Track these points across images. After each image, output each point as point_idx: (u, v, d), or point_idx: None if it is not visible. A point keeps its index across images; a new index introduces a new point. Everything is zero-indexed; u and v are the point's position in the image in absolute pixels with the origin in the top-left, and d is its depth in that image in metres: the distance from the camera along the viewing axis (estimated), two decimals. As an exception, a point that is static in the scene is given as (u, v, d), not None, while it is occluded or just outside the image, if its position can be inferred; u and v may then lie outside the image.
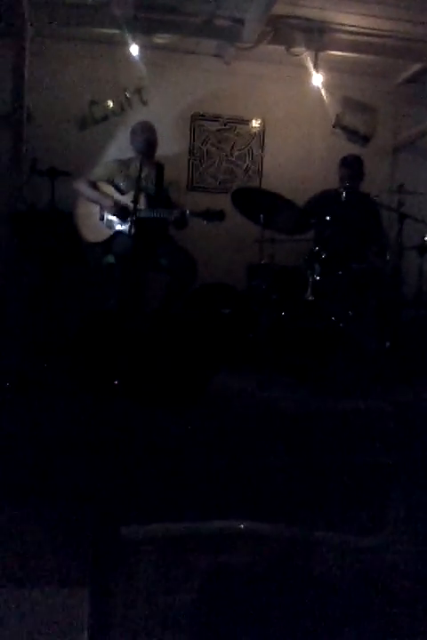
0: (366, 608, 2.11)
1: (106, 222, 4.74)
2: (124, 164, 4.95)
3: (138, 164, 4.72)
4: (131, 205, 4.38)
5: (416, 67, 5.62)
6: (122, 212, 4.66)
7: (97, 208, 4.77)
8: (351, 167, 5.17)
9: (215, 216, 4.51)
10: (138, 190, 4.13)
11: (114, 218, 4.71)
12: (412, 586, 2.22)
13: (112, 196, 4.75)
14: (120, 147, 5.30)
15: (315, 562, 2.33)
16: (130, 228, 4.15)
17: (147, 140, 4.85)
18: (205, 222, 4.52)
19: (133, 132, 5.00)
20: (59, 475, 2.55)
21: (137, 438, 2.87)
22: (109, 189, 4.82)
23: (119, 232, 4.67)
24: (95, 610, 1.94)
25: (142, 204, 4.44)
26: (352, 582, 2.23)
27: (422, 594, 2.17)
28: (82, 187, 4.81)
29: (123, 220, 4.65)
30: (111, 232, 4.71)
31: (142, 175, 4.25)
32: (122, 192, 4.79)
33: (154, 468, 2.70)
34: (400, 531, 2.57)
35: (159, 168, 4.70)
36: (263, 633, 1.98)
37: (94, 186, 4.83)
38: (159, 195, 4.83)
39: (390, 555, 2.40)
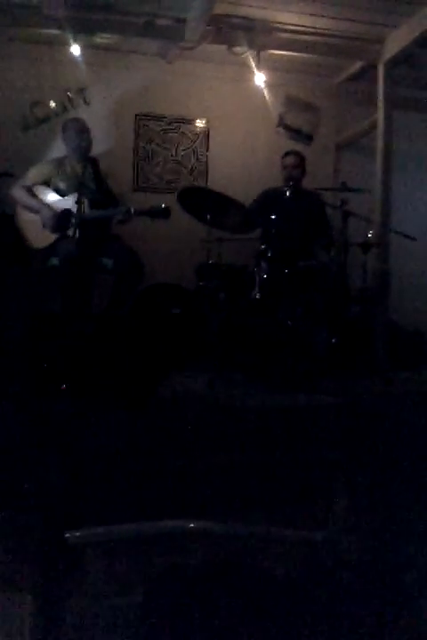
0: (318, 603, 2.13)
1: (48, 229, 4.57)
2: (59, 163, 4.83)
3: (75, 164, 4.69)
4: (73, 208, 4.33)
5: (358, 65, 5.68)
6: (64, 220, 4.51)
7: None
8: (293, 162, 5.22)
9: (161, 213, 4.46)
10: (81, 194, 4.07)
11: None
12: (360, 578, 2.24)
13: (49, 206, 4.59)
14: (63, 147, 5.21)
15: (265, 558, 2.33)
16: (74, 231, 4.09)
17: (81, 137, 4.73)
18: (150, 220, 4.48)
19: (67, 130, 4.88)
20: (4, 480, 2.50)
21: (84, 441, 2.83)
22: (48, 193, 4.69)
23: (63, 236, 4.53)
24: (39, 615, 1.90)
25: (86, 206, 4.36)
26: (304, 577, 2.24)
27: (370, 587, 2.20)
28: (19, 194, 4.66)
29: (65, 227, 4.50)
30: (54, 237, 4.56)
31: (83, 175, 4.19)
32: (62, 194, 4.67)
33: (101, 471, 2.68)
34: (349, 524, 2.60)
35: (95, 164, 4.58)
36: (215, 634, 1.97)
37: (32, 192, 4.67)
38: (100, 192, 4.73)
39: (340, 548, 2.43)
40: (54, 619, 1.91)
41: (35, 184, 4.71)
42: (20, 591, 1.96)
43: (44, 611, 1.91)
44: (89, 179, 4.62)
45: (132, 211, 4.48)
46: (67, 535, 2.15)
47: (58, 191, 4.70)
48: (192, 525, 2.38)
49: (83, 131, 4.78)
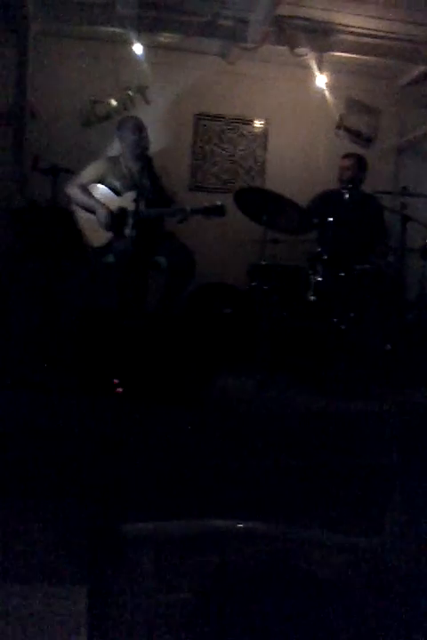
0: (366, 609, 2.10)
1: (104, 227, 4.58)
2: (114, 162, 4.81)
3: (131, 162, 4.71)
4: (128, 207, 4.36)
5: (420, 69, 5.60)
6: (118, 220, 4.53)
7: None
8: (352, 165, 5.15)
9: (216, 211, 4.46)
10: (139, 193, 4.08)
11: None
12: (410, 587, 2.20)
13: (105, 204, 4.59)
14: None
15: (315, 562, 2.31)
16: (130, 230, 4.12)
17: (137, 135, 4.69)
18: (205, 218, 4.48)
19: (122, 128, 4.84)
20: (60, 473, 2.54)
21: (137, 437, 2.86)
22: (104, 192, 4.69)
23: (119, 235, 4.54)
24: (94, 608, 1.92)
25: (141, 205, 4.38)
26: (354, 583, 2.22)
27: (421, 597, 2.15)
28: (74, 192, 4.66)
29: (122, 224, 4.53)
30: (110, 236, 4.58)
31: (138, 173, 4.20)
32: (117, 193, 4.67)
33: (155, 467, 2.69)
34: (401, 532, 2.55)
35: (149, 162, 4.60)
36: (263, 632, 1.96)
37: (87, 190, 4.68)
38: (155, 190, 4.72)
39: (389, 555, 2.39)
40: (106, 612, 1.93)
41: (90, 182, 4.71)
42: (74, 584, 1.99)
43: (96, 604, 1.93)
44: (144, 177, 4.64)
45: (188, 210, 4.49)
46: (122, 529, 2.17)
47: (112, 189, 4.71)
48: (240, 525, 2.37)
49: (139, 129, 4.74)
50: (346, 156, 5.26)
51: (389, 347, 4.33)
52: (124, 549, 2.16)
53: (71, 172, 4.53)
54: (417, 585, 2.17)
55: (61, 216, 4.57)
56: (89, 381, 3.36)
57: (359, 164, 5.19)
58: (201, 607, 2.01)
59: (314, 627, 1.98)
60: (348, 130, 6.05)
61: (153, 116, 5.18)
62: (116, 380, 3.32)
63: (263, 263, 4.38)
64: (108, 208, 4.58)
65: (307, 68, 5.31)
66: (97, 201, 4.63)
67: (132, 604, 1.98)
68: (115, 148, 5.05)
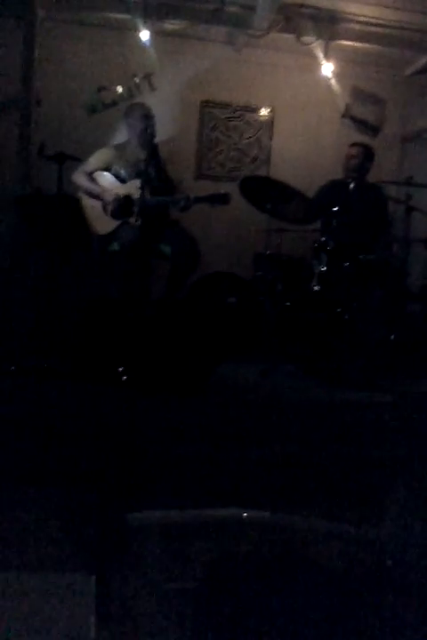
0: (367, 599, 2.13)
1: (109, 214, 4.61)
2: (121, 149, 4.84)
3: (137, 150, 4.72)
4: (134, 195, 4.37)
5: (425, 58, 5.57)
6: (125, 206, 4.55)
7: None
8: (358, 154, 5.15)
9: (220, 199, 4.46)
10: (144, 181, 4.08)
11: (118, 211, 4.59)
12: (410, 576, 2.23)
13: (111, 192, 4.61)
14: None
15: (317, 552, 2.34)
16: (135, 218, 4.13)
17: (145, 123, 4.68)
18: (210, 206, 4.49)
19: (130, 115, 4.87)
20: (66, 461, 2.56)
21: (141, 427, 2.88)
22: (109, 179, 4.72)
23: (124, 222, 4.57)
24: (102, 596, 1.95)
25: (147, 193, 4.39)
26: (355, 572, 2.25)
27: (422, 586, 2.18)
28: (81, 180, 4.68)
29: (127, 213, 4.54)
30: (116, 223, 4.60)
31: (144, 161, 4.20)
32: (123, 180, 4.69)
33: (158, 456, 2.72)
34: (401, 523, 2.58)
35: (155, 150, 4.62)
36: (267, 621, 1.99)
37: (92, 178, 4.70)
38: (160, 178, 4.75)
39: (391, 546, 2.42)
40: (111, 600, 1.96)
41: (96, 169, 4.73)
42: (79, 571, 2.01)
43: (101, 592, 1.96)
44: (150, 165, 4.63)
45: (192, 198, 4.50)
46: (128, 517, 2.20)
47: (118, 177, 4.73)
48: (245, 515, 2.40)
49: (147, 116, 4.75)
50: (353, 144, 5.24)
51: (392, 337, 4.35)
52: (131, 538, 2.19)
53: (77, 159, 4.54)
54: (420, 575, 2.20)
55: (67, 203, 4.58)
56: (94, 369, 3.39)
57: (366, 153, 5.18)
58: (206, 595, 2.04)
59: (316, 614, 2.01)
60: (354, 119, 6.03)
61: (159, 104, 5.15)
62: (120, 368, 3.34)
63: (268, 253, 4.39)
64: (114, 194, 4.59)
65: (313, 56, 5.30)
66: (103, 188, 4.65)
67: (138, 593, 2.01)
68: (122, 135, 5.06)
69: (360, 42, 5.31)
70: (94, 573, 1.96)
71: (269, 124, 5.96)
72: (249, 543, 2.30)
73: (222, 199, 4.47)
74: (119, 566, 2.06)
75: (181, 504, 2.37)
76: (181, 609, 1.97)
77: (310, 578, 2.17)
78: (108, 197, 4.61)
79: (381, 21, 5.04)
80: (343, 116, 5.99)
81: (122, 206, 4.57)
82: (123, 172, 4.72)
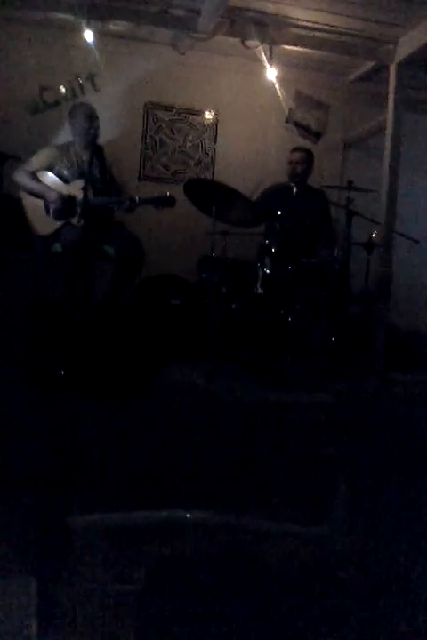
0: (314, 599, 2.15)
1: (52, 214, 4.57)
2: (64, 149, 4.81)
3: (81, 150, 4.69)
4: (77, 196, 4.34)
5: (369, 65, 5.67)
6: (68, 206, 4.52)
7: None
8: (300, 159, 5.22)
9: (165, 202, 4.47)
10: (87, 181, 4.05)
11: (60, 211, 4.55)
12: (355, 574, 2.26)
13: (54, 192, 4.57)
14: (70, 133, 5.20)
15: (260, 551, 2.35)
16: (78, 219, 4.10)
17: (89, 123, 4.69)
18: (155, 208, 4.48)
19: (74, 115, 4.85)
20: (7, 464, 2.51)
21: (82, 430, 2.85)
22: (52, 179, 4.67)
23: (67, 223, 4.54)
24: (43, 599, 1.92)
25: (90, 194, 4.36)
26: (299, 572, 2.26)
27: (366, 583, 2.22)
28: (23, 178, 4.62)
29: (70, 213, 4.51)
30: (58, 224, 4.56)
31: (88, 162, 4.18)
32: (66, 181, 4.66)
33: (99, 460, 2.69)
34: (341, 521, 2.62)
35: (99, 151, 4.60)
36: (213, 622, 1.99)
37: (35, 177, 4.65)
38: (104, 179, 4.73)
39: (335, 544, 2.45)
40: (53, 603, 1.93)
41: (39, 169, 4.68)
42: (21, 575, 1.98)
43: (43, 595, 1.93)
44: (93, 166, 4.60)
45: (137, 199, 4.49)
46: (68, 520, 2.17)
47: (61, 177, 4.69)
48: (189, 516, 2.40)
49: (90, 116, 4.73)
50: (294, 149, 5.32)
51: (333, 339, 4.42)
52: (72, 540, 2.17)
53: (19, 159, 4.47)
54: (365, 572, 2.23)
55: (8, 204, 4.50)
56: (36, 372, 3.34)
57: (307, 158, 5.26)
58: (149, 598, 2.03)
59: (264, 620, 2.02)
60: (297, 124, 6.09)
61: (103, 104, 5.12)
62: (62, 372, 3.30)
63: (213, 255, 4.40)
64: (56, 195, 4.54)
65: (258, 60, 5.32)
66: (46, 187, 4.60)
67: (80, 596, 1.99)
68: (65, 136, 5.01)
69: (304, 47, 5.35)
70: (34, 576, 1.94)
71: (214, 126, 5.98)
72: (193, 545, 2.30)
73: (168, 202, 4.48)
74: (61, 569, 2.04)
75: (123, 508, 2.36)
76: (123, 612, 1.96)
77: (258, 578, 2.18)
78: (51, 197, 4.55)
79: (325, 27, 5.09)
80: (287, 120, 6.06)
81: (64, 206, 4.52)
82: (66, 173, 4.68)
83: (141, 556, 2.18)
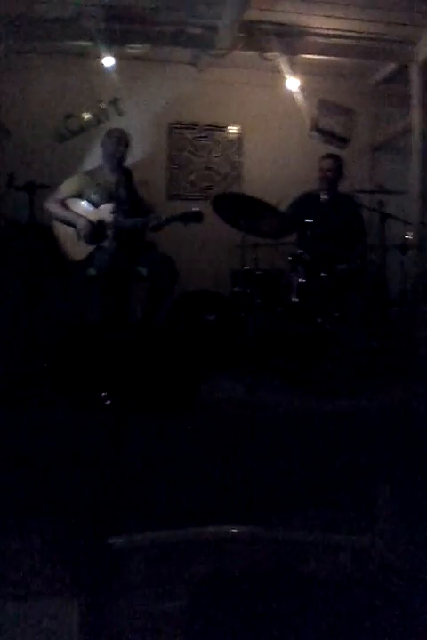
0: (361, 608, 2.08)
1: (83, 239, 4.59)
2: (92, 174, 4.83)
3: (109, 174, 4.71)
4: (108, 220, 4.36)
5: (391, 67, 5.65)
6: (98, 231, 4.54)
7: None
8: (330, 166, 5.17)
9: (193, 217, 4.46)
10: (116, 204, 4.07)
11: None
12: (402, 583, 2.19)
13: (85, 216, 4.60)
14: (98, 158, 5.24)
15: (310, 563, 2.30)
16: (110, 242, 4.11)
17: (118, 147, 4.71)
18: (184, 225, 4.48)
19: (106, 140, 4.85)
20: (51, 488, 2.50)
21: (127, 449, 2.83)
22: (81, 205, 4.70)
23: (99, 247, 4.54)
24: (86, 621, 1.89)
25: (120, 216, 4.37)
26: (346, 582, 2.21)
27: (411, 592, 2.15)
28: (53, 207, 4.67)
29: (101, 237, 4.52)
30: (91, 248, 4.57)
31: (115, 185, 4.20)
32: (96, 205, 4.67)
33: (144, 478, 2.67)
34: (392, 530, 2.55)
35: (127, 173, 4.60)
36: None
37: (65, 204, 4.69)
38: (133, 201, 4.74)
39: (383, 553, 2.38)
40: (99, 624, 1.90)
41: (68, 196, 4.72)
42: (66, 597, 1.95)
43: (88, 616, 1.90)
44: (122, 189, 4.64)
45: (164, 218, 4.49)
46: (110, 541, 2.14)
47: (91, 202, 4.71)
48: (235, 531, 2.35)
49: (119, 141, 4.76)
50: (324, 157, 5.27)
51: (375, 344, 4.34)
52: (114, 561, 2.14)
53: (47, 188, 4.52)
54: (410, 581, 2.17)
55: (40, 232, 4.55)
56: (78, 396, 3.33)
57: (337, 164, 5.21)
58: (195, 615, 1.98)
59: (311, 630, 1.96)
60: (321, 131, 6.07)
61: (128, 127, 5.13)
62: (104, 393, 3.29)
63: (245, 268, 4.37)
64: (87, 220, 4.57)
65: (278, 71, 5.31)
66: (77, 214, 4.63)
67: (124, 616, 1.95)
68: (92, 161, 5.05)
69: (324, 54, 5.34)
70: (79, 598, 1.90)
71: (238, 141, 5.99)
72: (242, 560, 2.25)
73: (195, 217, 4.46)
74: (104, 590, 2.00)
75: (170, 524, 2.32)
76: (168, 630, 1.91)
77: (302, 591, 2.12)
78: (81, 223, 4.58)
79: (343, 33, 5.07)
80: (311, 128, 6.03)
81: (95, 231, 4.54)
82: (95, 197, 4.70)
83: (187, 574, 2.13)
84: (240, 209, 4.33)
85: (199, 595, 2.05)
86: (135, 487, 2.58)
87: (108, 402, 3.24)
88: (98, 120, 5.61)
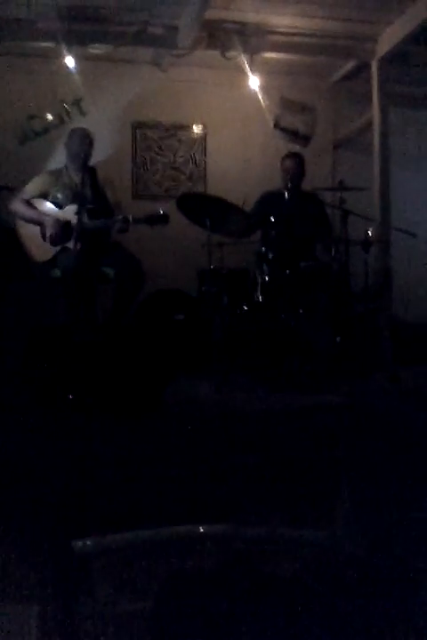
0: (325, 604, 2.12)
1: (49, 240, 4.57)
2: (57, 175, 4.82)
3: (74, 174, 4.70)
4: (72, 220, 4.35)
5: (351, 64, 5.69)
6: (64, 231, 4.53)
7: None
8: (292, 165, 5.22)
9: (159, 219, 4.47)
10: (81, 205, 4.06)
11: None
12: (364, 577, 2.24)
13: (49, 218, 4.59)
14: (62, 158, 5.21)
15: (273, 560, 2.33)
16: (75, 243, 4.11)
17: (82, 146, 4.70)
18: (150, 226, 4.49)
19: (69, 140, 4.85)
20: (10, 489, 2.50)
21: (91, 450, 2.84)
22: (46, 205, 4.68)
23: (64, 248, 4.53)
24: (46, 624, 1.90)
25: (85, 217, 4.37)
26: (311, 577, 2.24)
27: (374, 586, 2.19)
28: (19, 207, 4.66)
29: (66, 237, 4.51)
30: (56, 249, 4.56)
31: (81, 185, 4.19)
32: (60, 206, 4.66)
33: (109, 479, 2.68)
34: (349, 526, 2.59)
35: (93, 173, 4.59)
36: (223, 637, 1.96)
37: (31, 205, 4.67)
38: (98, 201, 4.73)
39: (345, 548, 2.43)
40: (61, 628, 1.91)
41: (33, 197, 4.70)
42: (27, 601, 1.96)
43: (51, 620, 1.91)
44: (87, 189, 4.62)
45: (131, 219, 4.49)
46: (74, 544, 2.15)
47: (56, 203, 4.70)
48: (202, 530, 2.38)
49: (82, 140, 4.75)
50: (286, 156, 5.31)
51: (338, 339, 4.40)
52: (75, 564, 2.15)
53: (10, 190, 4.49)
54: (373, 575, 2.21)
55: (3, 234, 4.52)
56: (44, 399, 3.32)
57: (299, 162, 5.25)
58: (161, 615, 2.00)
59: (279, 627, 1.99)
60: (284, 129, 6.10)
61: (91, 128, 5.11)
62: (70, 396, 3.29)
63: (211, 267, 4.40)
64: (52, 221, 4.55)
65: (240, 70, 5.33)
66: (41, 214, 4.62)
67: (87, 618, 1.96)
68: (56, 161, 5.04)
69: (284, 53, 5.39)
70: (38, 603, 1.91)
71: (202, 140, 6.00)
72: (207, 559, 2.27)
73: (161, 219, 4.48)
74: (65, 593, 2.01)
75: (135, 526, 2.33)
76: (130, 632, 1.93)
77: (269, 588, 2.15)
78: (49, 222, 4.57)
79: (303, 31, 5.12)
80: (274, 127, 6.06)
81: (60, 232, 4.52)
82: (60, 197, 4.68)
83: (153, 574, 2.15)
84: (205, 208, 4.37)
85: (165, 594, 2.07)
86: (101, 489, 2.59)
87: (71, 396, 3.24)
88: (61, 120, 5.58)
